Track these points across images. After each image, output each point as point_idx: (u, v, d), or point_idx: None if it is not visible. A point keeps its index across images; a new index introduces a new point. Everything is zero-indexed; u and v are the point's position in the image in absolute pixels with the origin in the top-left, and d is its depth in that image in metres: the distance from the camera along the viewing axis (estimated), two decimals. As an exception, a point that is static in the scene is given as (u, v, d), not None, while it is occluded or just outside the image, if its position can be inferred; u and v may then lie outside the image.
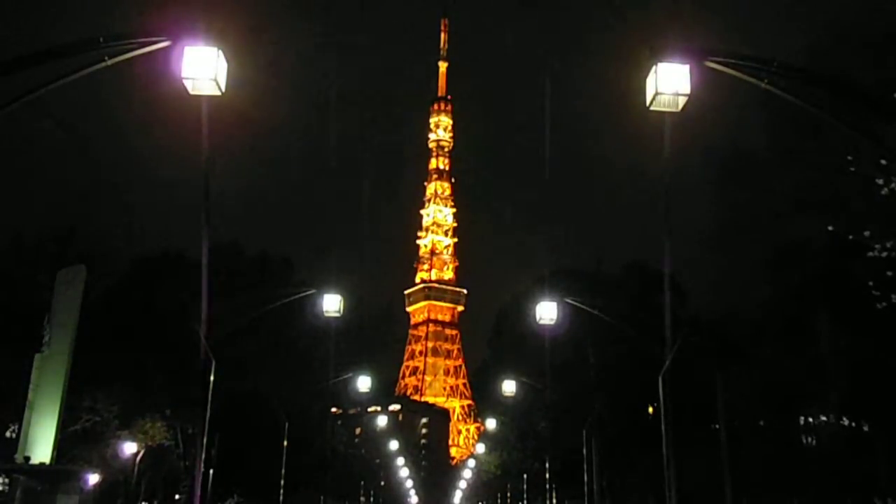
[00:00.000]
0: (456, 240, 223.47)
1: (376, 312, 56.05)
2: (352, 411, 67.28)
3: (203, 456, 24.98)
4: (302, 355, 44.54)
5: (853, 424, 34.71)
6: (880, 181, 16.45)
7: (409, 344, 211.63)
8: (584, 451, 39.43)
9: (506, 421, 59.00)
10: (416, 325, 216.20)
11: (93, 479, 31.62)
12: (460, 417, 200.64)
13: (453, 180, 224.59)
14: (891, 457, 30.60)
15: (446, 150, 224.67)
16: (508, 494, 78.97)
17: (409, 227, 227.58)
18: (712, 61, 10.60)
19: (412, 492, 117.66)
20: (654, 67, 10.49)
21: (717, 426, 34.53)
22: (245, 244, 45.23)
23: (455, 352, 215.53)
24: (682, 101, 10.52)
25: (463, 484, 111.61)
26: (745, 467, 33.92)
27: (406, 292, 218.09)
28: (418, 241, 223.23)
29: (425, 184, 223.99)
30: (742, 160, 24.66)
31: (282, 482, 39.20)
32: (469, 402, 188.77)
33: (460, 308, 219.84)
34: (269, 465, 40.75)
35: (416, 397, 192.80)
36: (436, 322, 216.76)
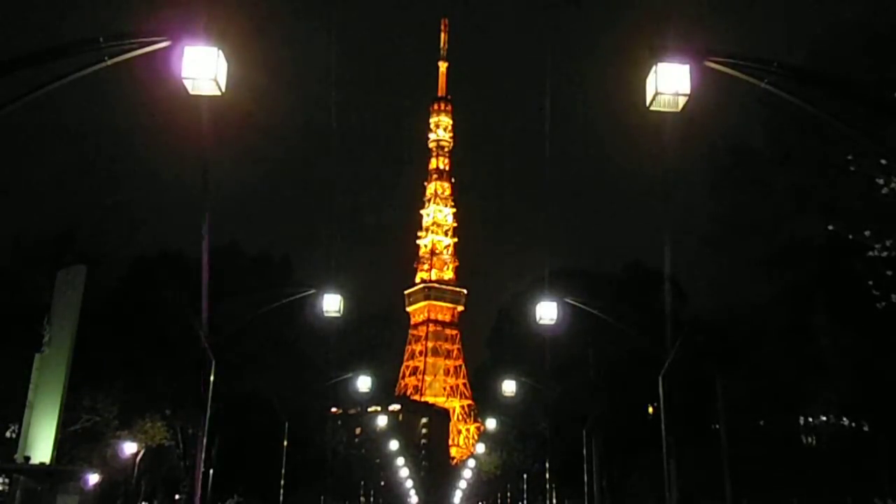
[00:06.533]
0: (456, 240, 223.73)
1: (376, 312, 56.09)
2: (352, 411, 67.28)
3: (203, 456, 24.99)
4: (302, 355, 44.51)
5: (853, 424, 34.71)
6: (880, 181, 16.46)
7: (409, 344, 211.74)
8: (584, 451, 39.42)
9: (506, 421, 58.98)
10: (416, 325, 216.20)
11: (93, 479, 31.57)
12: (460, 417, 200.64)
13: (453, 180, 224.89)
14: (891, 457, 30.60)
15: (446, 150, 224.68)
16: (508, 494, 78.99)
17: (409, 227, 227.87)
18: (712, 61, 10.59)
19: (412, 492, 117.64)
20: (654, 67, 10.49)
21: (717, 426, 34.57)
22: (245, 244, 45.25)
23: (455, 352, 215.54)
24: (682, 101, 10.52)
25: (463, 484, 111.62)
26: (745, 467, 33.91)
27: (406, 292, 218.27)
28: (418, 241, 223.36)
29: (425, 184, 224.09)
30: (742, 160, 24.66)
31: (282, 482, 39.22)
32: (469, 402, 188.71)
33: (460, 308, 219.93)
34: (269, 465, 40.77)
35: (416, 397, 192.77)
36: (436, 322, 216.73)
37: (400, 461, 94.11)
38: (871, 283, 18.76)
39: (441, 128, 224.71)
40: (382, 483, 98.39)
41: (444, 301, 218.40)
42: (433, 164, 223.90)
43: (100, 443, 34.26)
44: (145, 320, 34.96)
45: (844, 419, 35.25)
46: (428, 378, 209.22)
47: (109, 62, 10.43)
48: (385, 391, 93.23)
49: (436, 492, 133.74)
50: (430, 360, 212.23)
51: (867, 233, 17.75)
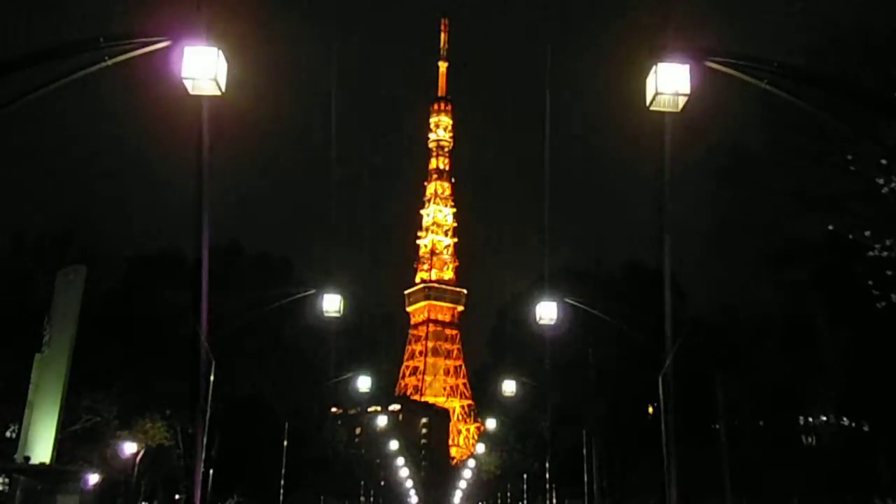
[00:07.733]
0: (456, 240, 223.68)
1: (376, 312, 56.15)
2: (352, 411, 67.30)
3: (203, 456, 24.99)
4: (302, 355, 44.53)
5: (853, 424, 34.74)
6: (880, 181, 16.48)
7: (409, 344, 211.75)
8: (584, 451, 39.42)
9: (506, 421, 58.99)
10: (416, 325, 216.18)
11: (93, 479, 31.61)
12: (460, 417, 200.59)
13: (453, 180, 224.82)
14: (891, 457, 30.61)
15: (446, 150, 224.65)
16: (508, 494, 79.00)
17: (409, 227, 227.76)
18: (712, 61, 10.58)
19: (412, 492, 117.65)
20: (654, 67, 10.47)
21: (717, 426, 34.59)
22: (245, 244, 45.25)
23: (455, 352, 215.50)
24: (682, 101, 10.50)
25: (463, 484, 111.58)
26: (745, 467, 33.93)
27: (406, 292, 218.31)
28: (418, 241, 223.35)
29: (425, 184, 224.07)
30: (742, 159, 24.65)
31: (282, 482, 39.22)
32: (469, 402, 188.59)
33: (460, 308, 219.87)
34: (269, 465, 40.77)
35: (416, 397, 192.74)
36: (436, 322, 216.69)
37: (400, 461, 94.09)
38: (870, 282, 18.77)
39: (441, 128, 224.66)
40: (382, 483, 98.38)
41: (444, 301, 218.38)
42: (433, 164, 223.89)
43: (100, 443, 34.26)
44: (145, 320, 34.95)
45: (844, 419, 35.28)
46: (428, 378, 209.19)
47: (109, 62, 10.41)
48: (385, 391, 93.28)
49: (436, 492, 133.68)
50: (430, 360, 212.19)
51: (867, 233, 17.77)
